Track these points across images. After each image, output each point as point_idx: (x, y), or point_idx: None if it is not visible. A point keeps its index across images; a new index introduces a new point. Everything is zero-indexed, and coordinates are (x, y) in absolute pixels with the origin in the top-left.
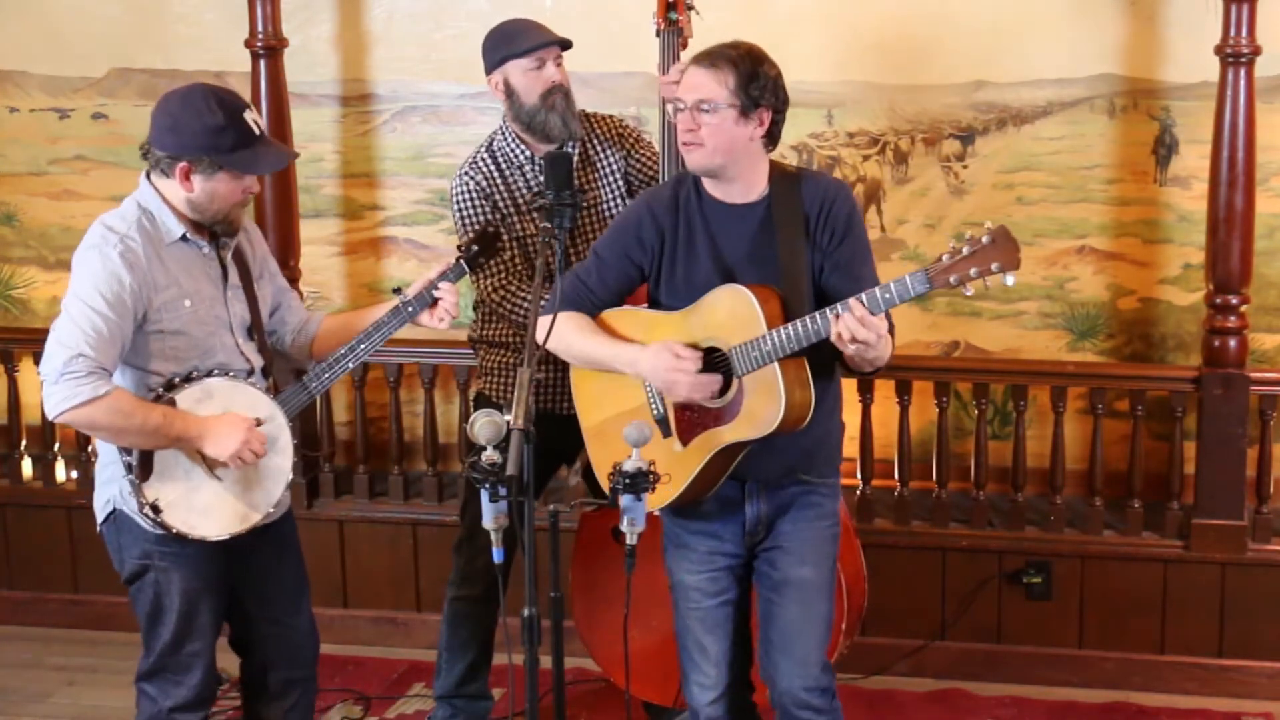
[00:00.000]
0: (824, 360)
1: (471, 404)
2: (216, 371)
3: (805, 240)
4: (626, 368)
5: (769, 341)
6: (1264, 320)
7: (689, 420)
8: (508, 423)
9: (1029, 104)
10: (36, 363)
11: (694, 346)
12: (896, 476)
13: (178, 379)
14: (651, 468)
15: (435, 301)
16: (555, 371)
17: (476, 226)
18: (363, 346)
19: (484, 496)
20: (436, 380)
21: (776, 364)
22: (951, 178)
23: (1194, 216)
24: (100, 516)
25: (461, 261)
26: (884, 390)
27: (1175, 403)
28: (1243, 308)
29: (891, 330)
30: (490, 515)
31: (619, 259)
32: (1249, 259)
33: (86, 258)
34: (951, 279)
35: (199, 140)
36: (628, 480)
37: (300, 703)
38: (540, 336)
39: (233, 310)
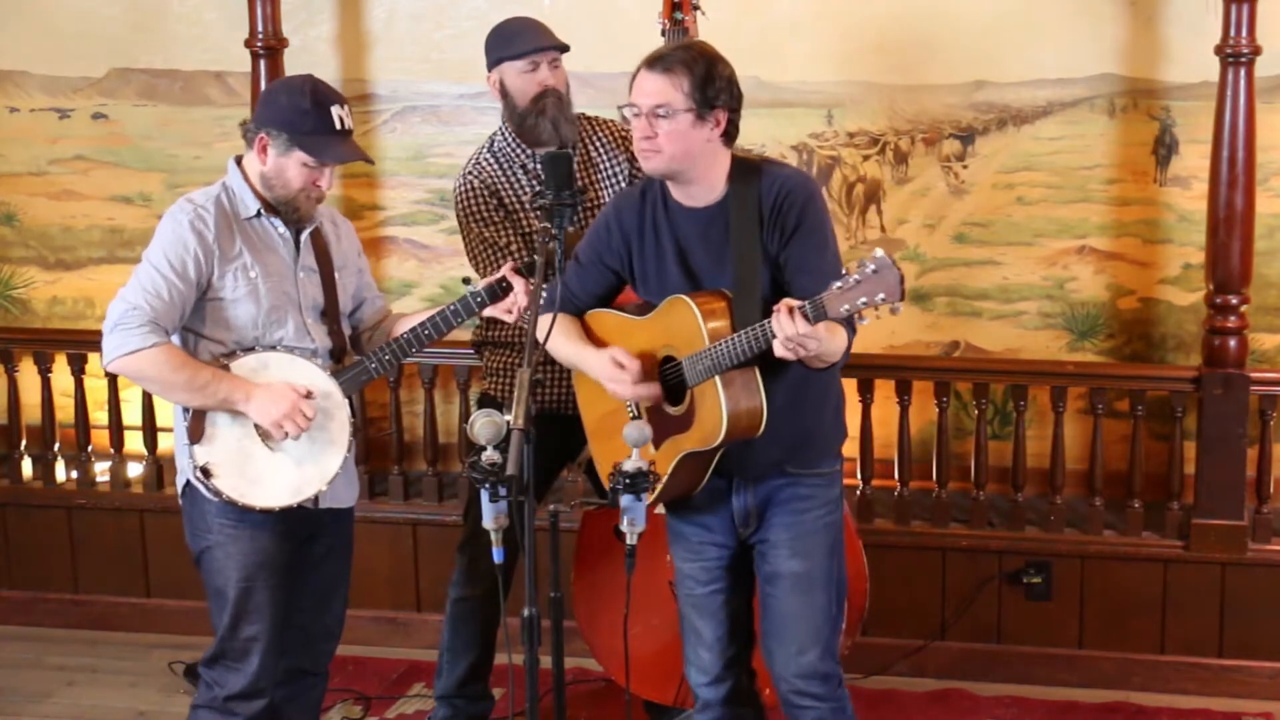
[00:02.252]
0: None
1: (474, 404)
2: (280, 348)
3: (758, 241)
4: (586, 370)
5: (709, 356)
6: (1264, 320)
7: (658, 425)
8: (507, 423)
9: (1029, 104)
10: (36, 363)
11: (652, 355)
12: (896, 476)
13: (240, 349)
14: (651, 468)
15: (506, 293)
16: (556, 372)
17: (485, 218)
18: (427, 331)
19: (484, 497)
20: (436, 380)
21: (717, 378)
22: (951, 178)
23: (1194, 216)
24: (179, 487)
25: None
26: (884, 390)
27: (1175, 403)
28: (1243, 308)
29: (852, 323)
30: (490, 515)
31: (594, 263)
32: (1249, 259)
33: (162, 225)
34: (842, 309)
35: (281, 116)
36: (628, 480)
37: (307, 697)
38: (540, 336)
39: (303, 290)
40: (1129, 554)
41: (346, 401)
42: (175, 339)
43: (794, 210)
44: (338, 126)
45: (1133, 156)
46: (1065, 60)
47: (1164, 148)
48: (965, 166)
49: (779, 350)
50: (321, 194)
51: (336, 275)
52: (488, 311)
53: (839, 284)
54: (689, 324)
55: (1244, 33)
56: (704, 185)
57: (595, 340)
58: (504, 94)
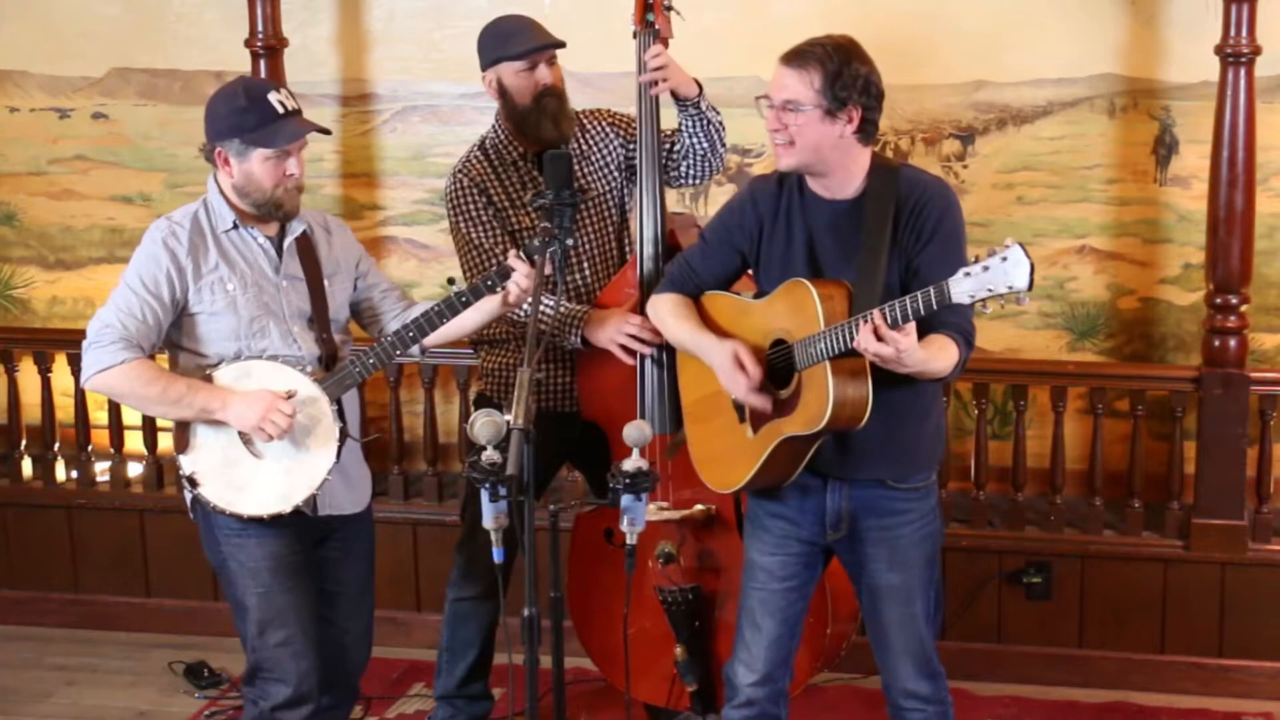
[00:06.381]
0: None
1: (472, 405)
2: (265, 357)
3: (890, 239)
4: (702, 357)
5: (823, 339)
6: (1264, 320)
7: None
8: (507, 422)
9: (1029, 104)
10: (36, 363)
11: (764, 337)
12: None
13: (224, 361)
14: (651, 468)
15: (491, 291)
16: (556, 371)
17: (473, 218)
18: (411, 333)
19: (484, 496)
20: (436, 380)
21: (828, 363)
22: (951, 177)
23: (1194, 216)
24: (188, 502)
25: (519, 254)
26: None
27: (1175, 403)
28: (1243, 308)
29: (969, 339)
30: (490, 515)
31: (722, 244)
32: (1249, 259)
33: (141, 243)
34: (968, 296)
35: (227, 124)
36: (628, 480)
37: (336, 711)
38: (650, 315)
39: (287, 299)
40: (1129, 554)
41: (330, 408)
42: (168, 357)
43: (932, 217)
44: (280, 110)
45: (1133, 156)
46: (1065, 60)
47: (1164, 148)
48: (965, 166)
49: (858, 344)
50: (298, 182)
51: (326, 283)
52: (498, 303)
53: (966, 270)
54: (806, 307)
55: (1244, 33)
56: (839, 179)
57: (709, 322)
58: (502, 93)
